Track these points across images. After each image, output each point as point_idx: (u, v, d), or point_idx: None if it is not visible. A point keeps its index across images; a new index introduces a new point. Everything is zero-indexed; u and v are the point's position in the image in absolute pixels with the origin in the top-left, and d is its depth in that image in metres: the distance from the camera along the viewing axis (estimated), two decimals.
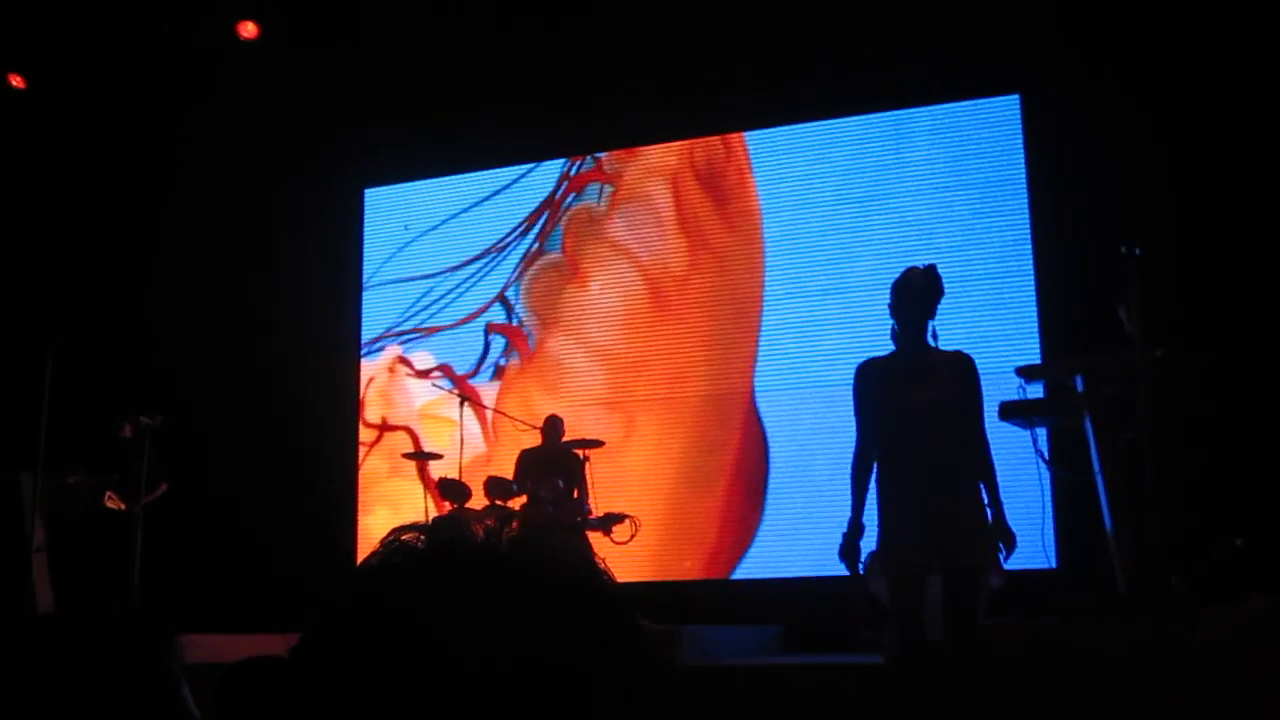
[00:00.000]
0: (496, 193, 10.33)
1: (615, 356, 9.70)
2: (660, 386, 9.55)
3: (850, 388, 4.99)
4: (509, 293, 10.11)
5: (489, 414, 9.83)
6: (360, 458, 10.31)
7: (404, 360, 10.39)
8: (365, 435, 10.35)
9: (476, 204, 10.36)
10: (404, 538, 0.89)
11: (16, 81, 9.99)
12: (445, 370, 10.13)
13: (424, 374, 10.18)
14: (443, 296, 10.33)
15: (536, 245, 10.07)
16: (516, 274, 10.11)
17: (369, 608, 0.85)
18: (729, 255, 9.54)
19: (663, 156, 9.88)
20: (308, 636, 0.87)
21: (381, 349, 10.50)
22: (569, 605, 0.86)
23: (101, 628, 1.28)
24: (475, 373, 10.04)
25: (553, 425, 8.76)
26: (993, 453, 4.83)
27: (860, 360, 5.05)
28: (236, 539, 9.62)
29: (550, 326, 9.94)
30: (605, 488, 8.57)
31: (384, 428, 9.20)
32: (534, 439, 8.77)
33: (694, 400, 9.45)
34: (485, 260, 10.19)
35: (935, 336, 4.87)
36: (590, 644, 0.85)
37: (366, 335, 10.55)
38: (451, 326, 10.29)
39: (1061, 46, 8.30)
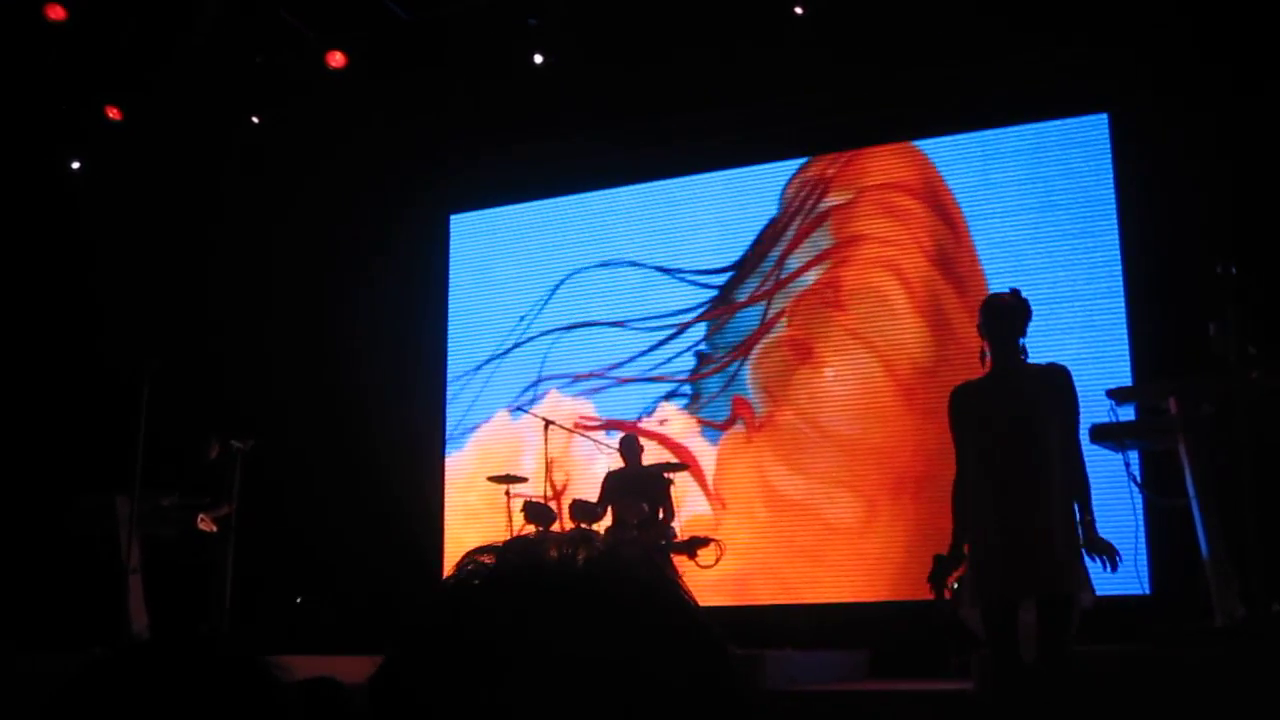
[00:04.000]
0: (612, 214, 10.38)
1: (849, 436, 9.22)
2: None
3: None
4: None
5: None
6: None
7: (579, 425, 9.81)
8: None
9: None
10: (479, 559, 0.87)
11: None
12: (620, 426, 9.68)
13: (584, 428, 9.71)
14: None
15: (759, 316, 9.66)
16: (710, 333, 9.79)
17: (443, 632, 0.84)
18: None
19: (888, 230, 9.37)
20: (385, 661, 0.87)
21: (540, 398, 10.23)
22: (648, 628, 0.83)
23: (223, 658, 1.26)
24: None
25: (630, 446, 8.70)
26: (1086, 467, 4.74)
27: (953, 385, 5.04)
28: (325, 561, 9.73)
29: (780, 403, 9.45)
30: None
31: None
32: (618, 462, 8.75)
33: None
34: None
35: (1025, 353, 4.81)
36: (670, 667, 0.82)
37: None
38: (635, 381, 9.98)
39: (1149, 65, 8.19)
